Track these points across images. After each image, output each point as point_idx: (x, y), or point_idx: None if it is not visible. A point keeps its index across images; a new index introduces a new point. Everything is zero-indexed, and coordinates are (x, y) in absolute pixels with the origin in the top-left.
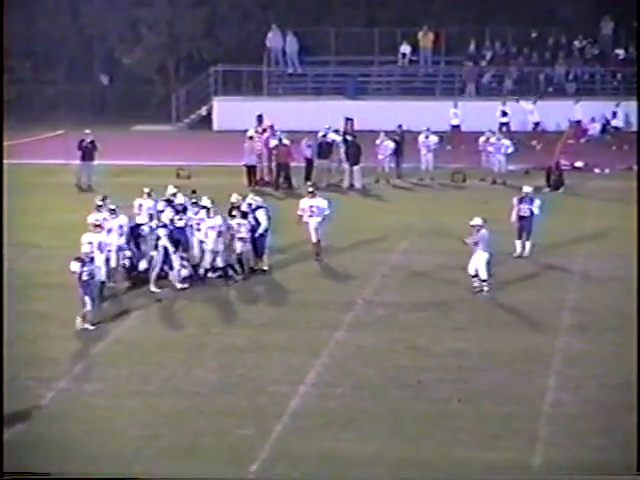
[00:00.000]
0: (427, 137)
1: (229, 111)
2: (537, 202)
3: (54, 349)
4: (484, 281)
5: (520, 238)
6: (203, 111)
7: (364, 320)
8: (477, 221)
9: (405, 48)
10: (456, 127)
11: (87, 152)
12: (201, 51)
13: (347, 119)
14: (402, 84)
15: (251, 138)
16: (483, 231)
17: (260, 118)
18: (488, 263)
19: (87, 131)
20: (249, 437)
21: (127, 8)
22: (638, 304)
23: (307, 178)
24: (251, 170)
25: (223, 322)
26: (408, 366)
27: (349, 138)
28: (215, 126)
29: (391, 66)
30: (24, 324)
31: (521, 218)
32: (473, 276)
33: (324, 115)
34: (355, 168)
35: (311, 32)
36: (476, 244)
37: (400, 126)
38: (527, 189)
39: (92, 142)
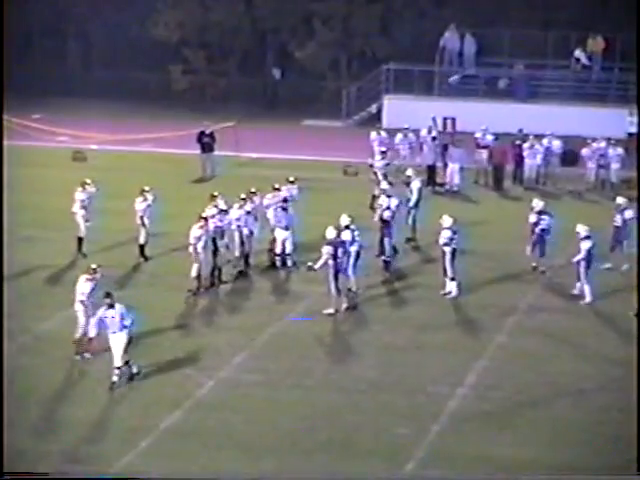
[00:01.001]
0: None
1: (399, 109)
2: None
3: (216, 339)
4: None
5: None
6: (373, 109)
7: (526, 324)
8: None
9: (579, 53)
10: (632, 135)
11: (206, 144)
12: (374, 48)
13: (445, 118)
14: (575, 89)
15: (434, 139)
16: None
17: (434, 120)
18: None
19: (206, 123)
20: (406, 436)
21: (302, 2)
22: (638, 306)
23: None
24: (431, 170)
25: (383, 320)
26: (570, 372)
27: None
28: (384, 124)
29: (564, 70)
30: (194, 315)
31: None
32: None
33: (495, 117)
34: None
35: (485, 33)
36: None
37: (521, 130)
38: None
39: (211, 134)
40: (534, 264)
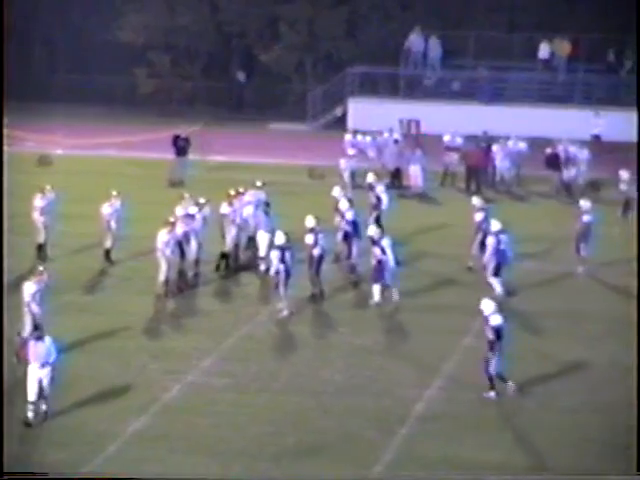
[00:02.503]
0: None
1: (364, 112)
2: None
3: (183, 342)
4: None
5: None
6: (338, 111)
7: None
8: None
9: (544, 54)
10: (597, 137)
11: (181, 148)
12: (339, 51)
13: (409, 120)
14: (540, 91)
15: (396, 142)
16: None
17: (401, 122)
18: None
19: (184, 127)
20: (373, 439)
21: (267, 5)
22: (638, 305)
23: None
24: (396, 173)
25: (350, 323)
26: (537, 374)
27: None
28: (350, 126)
29: (529, 72)
30: (161, 319)
31: None
32: None
33: (458, 119)
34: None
35: (451, 35)
36: None
37: (485, 132)
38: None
39: (186, 138)
40: (470, 264)
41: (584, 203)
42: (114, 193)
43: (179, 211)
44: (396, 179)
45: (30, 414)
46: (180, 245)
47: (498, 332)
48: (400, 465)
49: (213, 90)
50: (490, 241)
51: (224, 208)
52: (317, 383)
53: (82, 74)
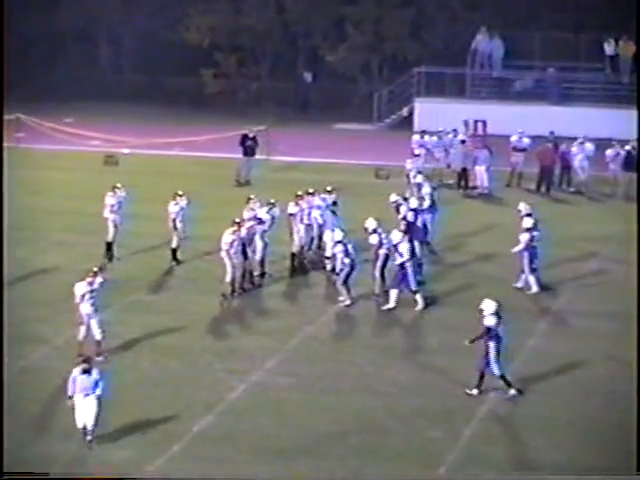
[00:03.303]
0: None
1: (430, 113)
2: None
3: (248, 342)
4: None
5: None
6: (404, 112)
7: (559, 327)
8: None
9: (609, 54)
10: None
11: (249, 148)
12: (405, 51)
13: (476, 121)
14: (606, 91)
15: (463, 142)
16: None
17: (466, 123)
18: None
19: (250, 127)
20: (438, 439)
21: (333, 5)
22: (638, 304)
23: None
24: (462, 174)
25: (415, 324)
26: (603, 376)
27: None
28: (416, 127)
29: (596, 73)
30: (227, 319)
31: None
32: None
33: (524, 120)
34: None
35: (517, 36)
36: None
37: (552, 133)
38: None
39: (254, 138)
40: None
41: None
42: (179, 193)
43: (246, 213)
44: (462, 179)
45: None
46: (244, 246)
47: (489, 332)
48: (465, 466)
49: (279, 90)
50: (524, 237)
51: (292, 208)
52: (382, 383)
53: (148, 74)
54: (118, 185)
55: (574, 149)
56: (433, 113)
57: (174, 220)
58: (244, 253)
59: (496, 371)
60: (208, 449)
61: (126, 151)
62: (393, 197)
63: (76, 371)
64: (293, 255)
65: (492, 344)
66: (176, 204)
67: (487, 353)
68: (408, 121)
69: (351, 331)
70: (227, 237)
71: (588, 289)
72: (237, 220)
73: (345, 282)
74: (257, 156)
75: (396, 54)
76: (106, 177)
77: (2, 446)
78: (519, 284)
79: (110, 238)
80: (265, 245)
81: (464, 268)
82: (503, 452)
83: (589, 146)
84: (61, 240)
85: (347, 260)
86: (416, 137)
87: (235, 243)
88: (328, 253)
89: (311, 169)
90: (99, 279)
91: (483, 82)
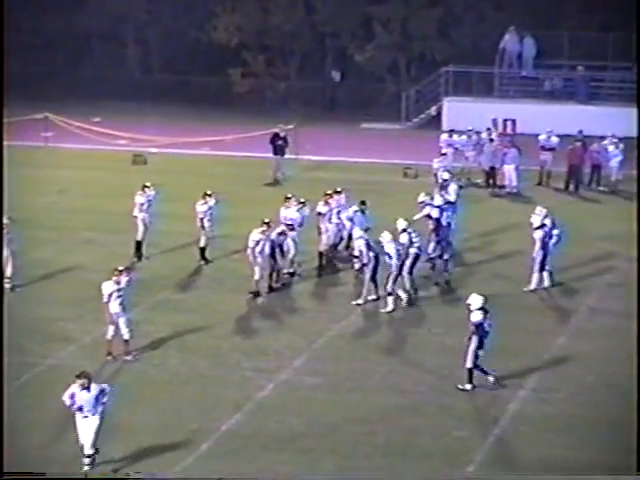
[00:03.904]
0: None
1: (459, 112)
2: None
3: (276, 341)
4: None
5: None
6: (433, 111)
7: (587, 326)
8: None
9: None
10: None
11: (279, 147)
12: (433, 51)
13: (505, 120)
14: (635, 90)
15: (492, 141)
16: None
17: (495, 122)
18: None
19: (280, 125)
20: (466, 438)
21: (361, 5)
22: (638, 305)
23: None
24: (491, 172)
25: (442, 322)
26: (629, 375)
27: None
28: (444, 126)
29: (624, 72)
30: (254, 318)
31: None
32: None
33: (553, 118)
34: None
35: (544, 36)
36: None
37: (580, 132)
38: None
39: (284, 138)
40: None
41: None
42: (208, 192)
43: (283, 212)
44: (491, 178)
45: (86, 468)
46: (273, 249)
47: (477, 328)
48: (492, 465)
49: (307, 90)
50: (538, 234)
51: (321, 207)
52: (409, 382)
53: (175, 74)
54: (148, 184)
55: (611, 148)
56: (461, 112)
57: (202, 219)
58: (272, 256)
59: (469, 363)
60: (236, 447)
61: (154, 150)
62: (421, 197)
63: (75, 387)
64: (321, 254)
65: (475, 338)
66: (204, 203)
67: (468, 345)
68: (436, 120)
69: (378, 330)
70: (255, 235)
71: (615, 288)
72: (266, 220)
73: (373, 277)
74: (287, 155)
75: (424, 53)
76: (134, 176)
77: (2, 446)
78: (531, 286)
79: (140, 237)
80: (295, 244)
81: (490, 267)
82: (531, 451)
83: (621, 145)
84: (88, 239)
85: (371, 254)
86: (444, 136)
87: (262, 243)
88: (356, 252)
89: (339, 168)
90: (125, 278)
91: (511, 81)
